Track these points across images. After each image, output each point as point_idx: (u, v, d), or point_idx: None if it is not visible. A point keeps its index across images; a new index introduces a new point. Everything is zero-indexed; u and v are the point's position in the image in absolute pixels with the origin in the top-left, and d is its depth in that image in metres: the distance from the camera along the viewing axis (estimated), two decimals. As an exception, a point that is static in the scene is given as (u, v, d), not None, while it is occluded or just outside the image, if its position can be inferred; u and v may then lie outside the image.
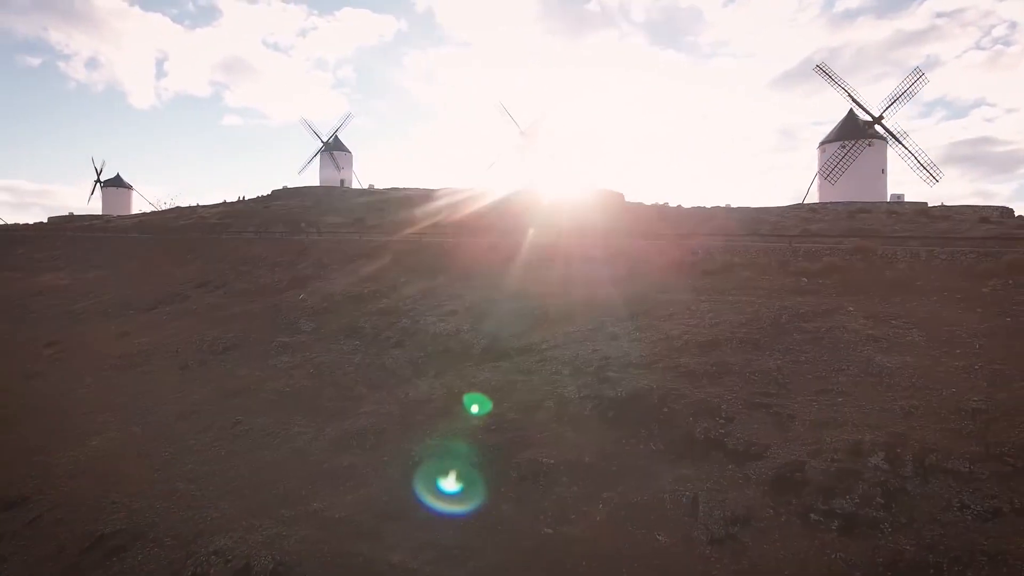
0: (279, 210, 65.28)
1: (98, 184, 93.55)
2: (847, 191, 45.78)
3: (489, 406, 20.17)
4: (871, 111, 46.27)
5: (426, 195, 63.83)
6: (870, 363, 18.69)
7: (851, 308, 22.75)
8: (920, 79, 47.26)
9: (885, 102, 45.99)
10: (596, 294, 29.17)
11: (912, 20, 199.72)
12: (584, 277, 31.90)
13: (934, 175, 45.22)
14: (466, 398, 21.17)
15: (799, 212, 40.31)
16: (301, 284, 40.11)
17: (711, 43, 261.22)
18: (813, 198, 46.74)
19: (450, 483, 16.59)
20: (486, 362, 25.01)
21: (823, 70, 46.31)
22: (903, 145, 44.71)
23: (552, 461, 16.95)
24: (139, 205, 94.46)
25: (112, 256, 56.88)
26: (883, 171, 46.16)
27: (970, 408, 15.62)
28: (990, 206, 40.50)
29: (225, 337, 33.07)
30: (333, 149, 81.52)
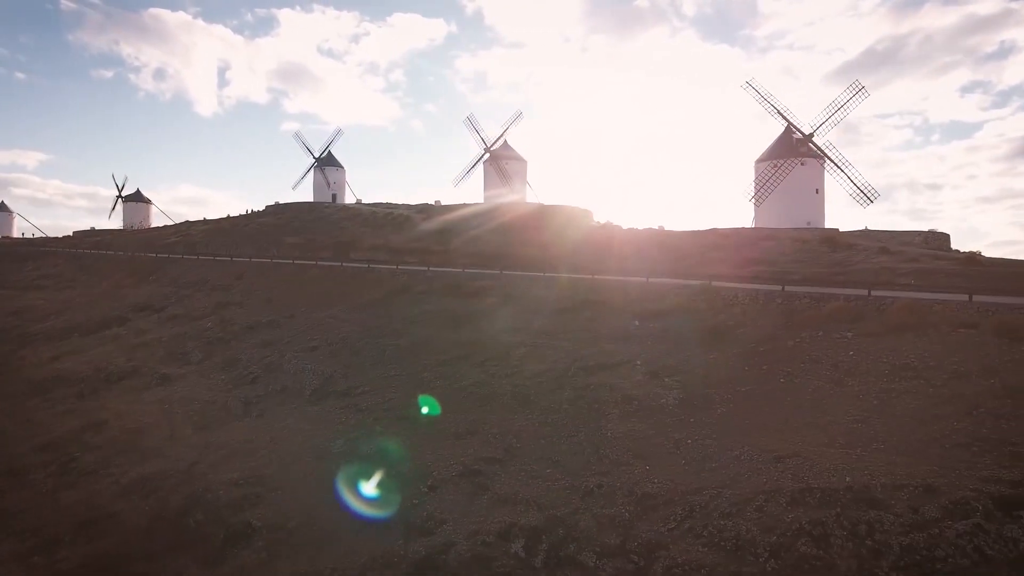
0: (255, 229, 67.79)
1: (119, 199, 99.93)
2: (781, 213, 43.76)
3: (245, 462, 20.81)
4: (801, 128, 43.98)
5: (399, 213, 64.79)
6: (599, 431, 18.28)
7: (639, 362, 22.15)
8: (858, 94, 44.48)
9: (819, 118, 43.77)
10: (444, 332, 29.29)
11: (984, 4, 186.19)
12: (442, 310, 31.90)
13: (868, 196, 42.61)
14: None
15: (705, 239, 38.92)
16: (222, 310, 41.72)
17: (767, 36, 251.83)
18: (762, 219, 44.75)
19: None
20: (309, 404, 25.70)
21: (751, 86, 44.53)
22: (835, 164, 42.21)
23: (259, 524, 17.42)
24: (158, 219, 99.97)
25: (91, 275, 60.46)
26: (817, 191, 43.80)
27: (640, 492, 15.16)
28: (921, 231, 37.92)
29: (125, 367, 34.83)
30: (325, 165, 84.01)
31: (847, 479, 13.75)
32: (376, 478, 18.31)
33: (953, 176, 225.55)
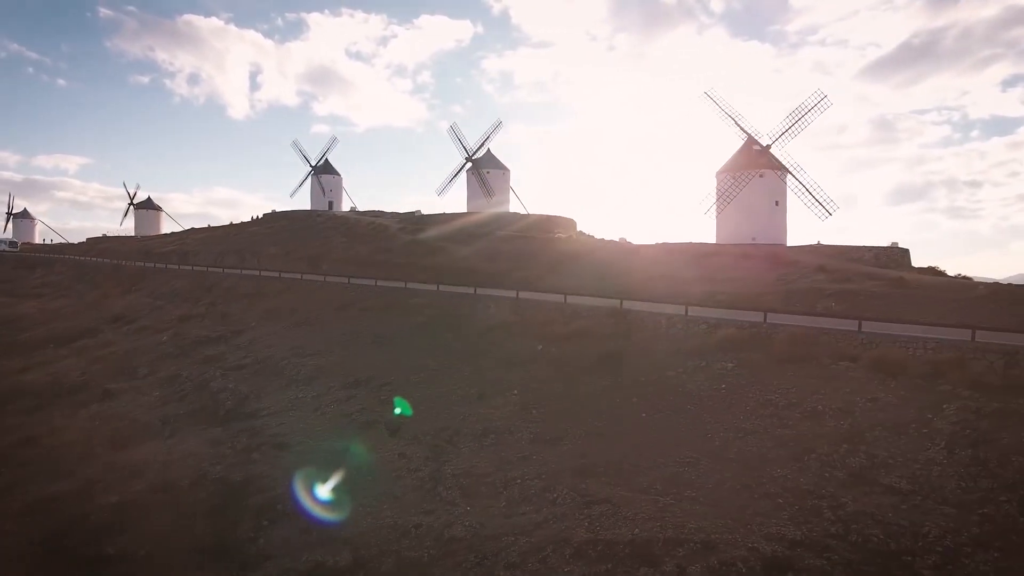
0: (246, 238, 69.22)
1: (131, 207, 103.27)
2: (741, 227, 42.58)
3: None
4: (761, 139, 42.69)
5: (380, 223, 65.41)
6: (445, 466, 18.32)
7: (516, 391, 22.07)
8: (820, 103, 43.20)
9: (779, 128, 42.63)
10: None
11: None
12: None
13: (827, 209, 41.30)
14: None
15: (649, 254, 38.26)
16: (182, 323, 42.82)
17: (798, 31, 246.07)
18: (724, 232, 43.51)
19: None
20: (216, 426, 26.21)
21: (709, 96, 43.35)
22: (793, 176, 40.82)
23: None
24: (168, 225, 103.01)
25: (85, 284, 62.55)
26: (777, 203, 42.51)
27: (447, 536, 15.16)
28: (874, 247, 36.44)
29: (77, 381, 36.01)
30: (321, 172, 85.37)
31: (635, 531, 13.55)
32: (230, 508, 18.64)
33: (994, 173, 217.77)
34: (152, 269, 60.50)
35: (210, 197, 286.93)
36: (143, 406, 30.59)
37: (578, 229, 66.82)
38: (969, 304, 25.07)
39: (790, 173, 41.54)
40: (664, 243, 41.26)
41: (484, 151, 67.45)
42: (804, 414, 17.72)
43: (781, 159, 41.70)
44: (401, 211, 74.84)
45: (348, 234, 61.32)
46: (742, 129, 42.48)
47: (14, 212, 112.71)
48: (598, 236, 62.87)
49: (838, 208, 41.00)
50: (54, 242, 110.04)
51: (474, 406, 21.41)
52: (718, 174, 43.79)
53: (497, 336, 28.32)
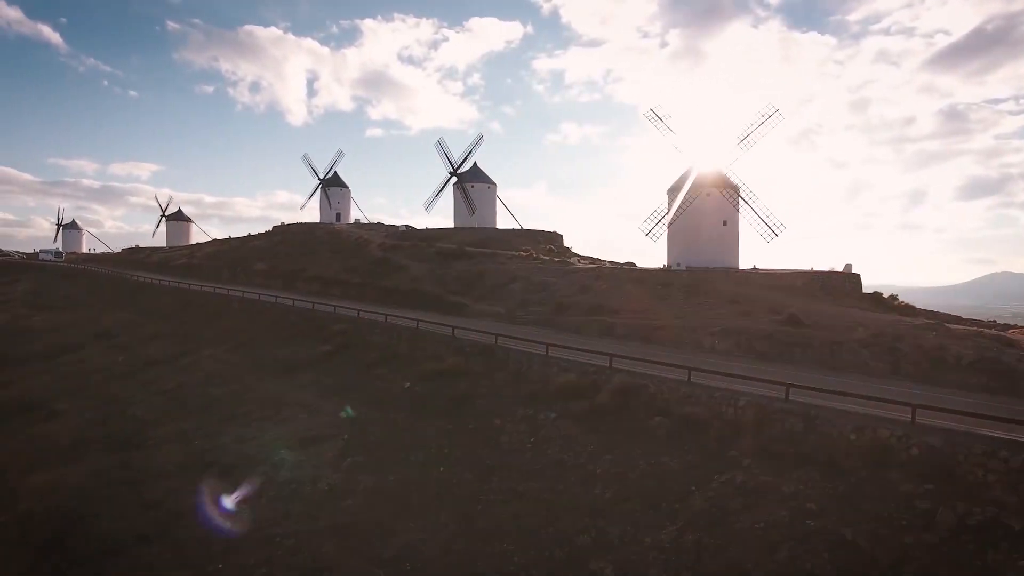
0: (247, 252, 72.04)
1: (163, 218, 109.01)
2: (690, 249, 40.72)
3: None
4: (707, 158, 40.94)
5: (366, 239, 66.74)
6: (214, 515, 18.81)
7: (347, 435, 22.33)
8: (771, 118, 40.98)
9: (728, 146, 40.37)
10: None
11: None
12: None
13: (773, 229, 39.09)
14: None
15: (576, 278, 37.43)
16: (144, 344, 45.05)
17: (860, 20, 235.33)
18: (675, 253, 41.94)
19: None
20: (111, 452, 27.59)
21: (654, 113, 41.56)
22: (740, 196, 38.74)
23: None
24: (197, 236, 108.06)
25: (93, 297, 66.45)
26: (726, 223, 40.51)
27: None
28: (820, 272, 34.23)
29: (38, 399, 38.36)
30: (329, 185, 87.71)
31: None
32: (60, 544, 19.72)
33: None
34: (147, 284, 63.68)
35: (271, 200, 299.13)
36: (72, 428, 32.44)
37: (565, 244, 66.40)
38: (845, 350, 23.68)
39: (737, 192, 39.99)
40: (625, 265, 40.48)
41: (470, 166, 67.79)
42: (581, 478, 17.33)
43: (732, 177, 40.26)
44: (403, 224, 76.20)
45: (334, 249, 62.85)
46: (686, 149, 41.17)
47: (63, 223, 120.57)
48: (584, 253, 62.33)
49: (785, 229, 39.19)
50: (96, 251, 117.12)
51: (302, 452, 21.82)
52: (668, 192, 42.61)
53: (381, 370, 28.71)
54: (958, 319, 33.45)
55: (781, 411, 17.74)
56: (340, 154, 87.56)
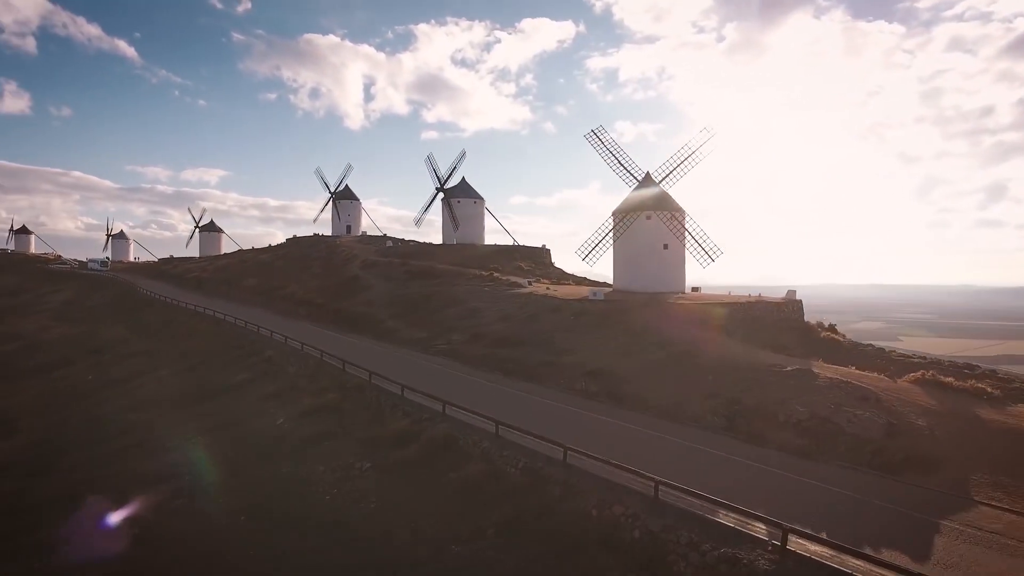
0: (250, 265, 75.00)
1: (196, 230, 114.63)
2: (632, 272, 39.48)
3: None
4: (645, 178, 39.22)
5: (352, 254, 68.25)
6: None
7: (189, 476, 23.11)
8: (708, 141, 39.21)
9: (666, 167, 38.87)
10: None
11: None
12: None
13: (710, 254, 37.20)
14: None
15: (525, 306, 36.95)
16: (117, 362, 47.68)
17: (931, 7, 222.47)
18: (620, 278, 40.79)
19: None
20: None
21: (595, 135, 40.28)
22: (675, 219, 36.99)
23: None
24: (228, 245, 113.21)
25: (105, 310, 70.63)
26: (666, 247, 38.84)
27: None
28: (760, 300, 32.36)
29: (7, 416, 41.36)
30: (340, 198, 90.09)
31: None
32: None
33: None
34: (150, 299, 67.15)
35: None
36: (14, 449, 34.74)
37: (552, 260, 65.91)
38: (692, 400, 22.67)
39: (672, 215, 38.73)
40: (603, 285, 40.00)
41: (458, 181, 68.20)
42: (349, 537, 17.40)
43: (674, 200, 39.13)
44: (395, 239, 77.39)
45: (323, 265, 64.66)
46: (625, 169, 40.12)
47: (112, 233, 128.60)
48: (569, 270, 61.75)
49: (721, 254, 37.71)
50: (140, 260, 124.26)
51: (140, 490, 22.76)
52: (613, 214, 41.67)
53: (272, 404, 29.55)
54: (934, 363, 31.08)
55: (547, 478, 17.25)
56: (349, 168, 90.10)
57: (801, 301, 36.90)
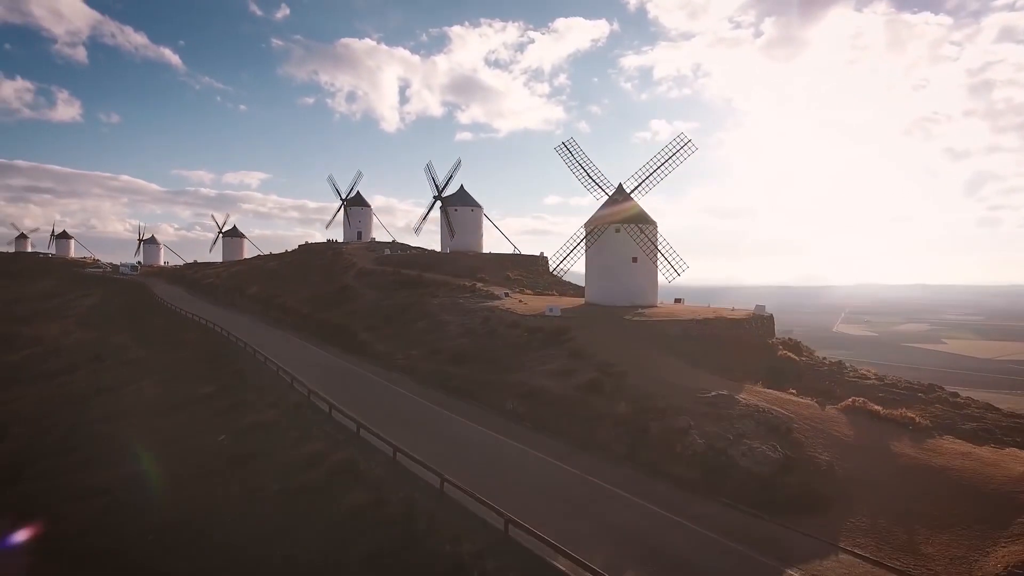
0: (257, 272, 76.86)
1: (220, 235, 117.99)
2: (603, 286, 39.07)
3: None
4: (611, 190, 38.47)
5: (351, 262, 69.25)
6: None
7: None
8: (684, 148, 38.44)
9: (636, 178, 38.23)
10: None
11: None
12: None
13: (676, 268, 36.37)
14: None
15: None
16: (113, 369, 49.48)
17: None
18: (591, 291, 40.37)
19: None
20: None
21: (565, 147, 39.80)
22: (644, 232, 36.08)
23: None
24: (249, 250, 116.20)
25: (119, 314, 73.30)
26: (635, 260, 38.08)
27: None
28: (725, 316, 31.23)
29: None
30: (351, 205, 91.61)
31: None
32: None
33: None
34: (158, 305, 69.48)
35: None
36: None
37: (548, 268, 65.64)
38: (603, 424, 22.37)
39: (639, 228, 38.19)
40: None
41: (456, 189, 68.60)
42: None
43: (644, 213, 38.70)
44: (393, 246, 78.40)
45: (323, 273, 65.82)
46: (594, 181, 39.70)
47: (144, 238, 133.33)
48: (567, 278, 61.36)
49: (687, 268, 37.00)
50: (169, 264, 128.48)
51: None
52: (585, 226, 41.34)
53: (221, 420, 30.24)
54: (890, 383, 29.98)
55: (420, 509, 17.34)
56: (359, 175, 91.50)
57: (771, 316, 35.97)
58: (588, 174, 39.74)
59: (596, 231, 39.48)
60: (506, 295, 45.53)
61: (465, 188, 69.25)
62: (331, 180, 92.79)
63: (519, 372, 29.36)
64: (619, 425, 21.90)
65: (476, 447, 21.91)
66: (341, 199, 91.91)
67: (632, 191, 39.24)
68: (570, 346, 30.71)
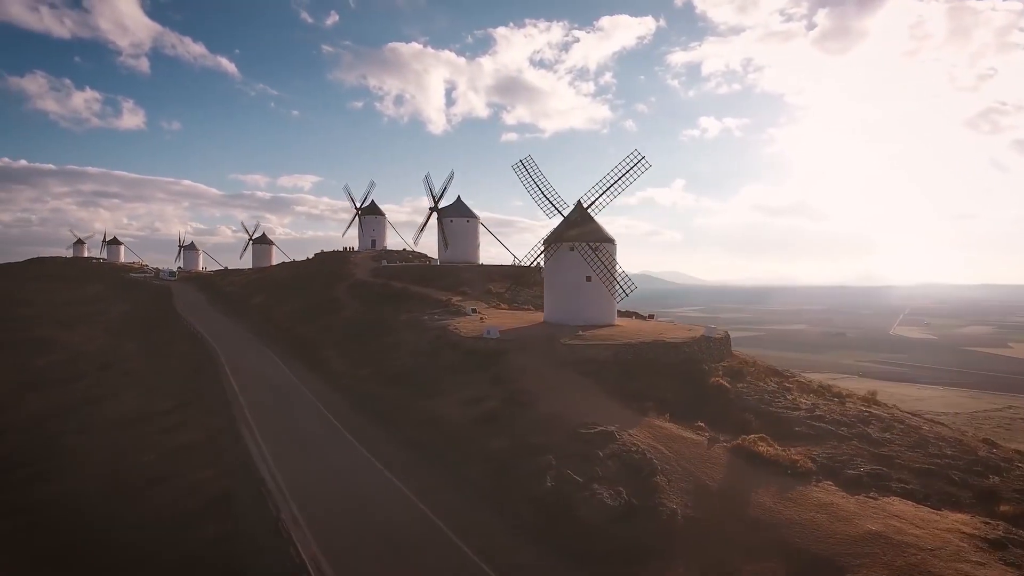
0: (266, 281, 79.46)
1: (250, 242, 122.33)
2: (560, 306, 38.37)
3: None
4: (563, 211, 37.91)
5: (347, 272, 70.70)
6: None
7: None
8: (637, 166, 37.46)
9: (591, 194, 37.49)
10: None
11: None
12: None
13: (624, 289, 35.21)
14: None
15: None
16: (118, 379, 52.11)
17: None
18: (549, 311, 39.95)
19: None
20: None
21: (523, 165, 39.51)
22: (595, 251, 35.13)
23: None
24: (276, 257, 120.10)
25: (137, 324, 76.95)
26: (589, 279, 37.24)
27: None
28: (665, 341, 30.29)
29: None
30: (366, 214, 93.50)
31: None
32: None
33: None
34: (169, 314, 72.59)
35: (417, 206, 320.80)
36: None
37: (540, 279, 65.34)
38: (473, 459, 22.20)
39: (589, 246, 37.61)
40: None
41: (453, 200, 69.13)
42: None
43: (598, 231, 38.33)
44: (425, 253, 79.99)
45: (324, 283, 67.56)
46: (547, 199, 39.34)
47: (184, 244, 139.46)
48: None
49: (635, 288, 36.19)
50: (207, 270, 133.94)
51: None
52: (543, 243, 41.05)
53: (156, 440, 31.53)
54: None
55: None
56: (372, 185, 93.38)
57: (725, 338, 34.93)
58: (543, 192, 39.48)
59: (550, 249, 39.21)
60: (472, 311, 45.64)
61: (462, 199, 69.81)
62: (346, 189, 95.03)
63: (438, 397, 29.50)
64: (489, 461, 21.77)
65: (345, 476, 22.21)
66: (355, 208, 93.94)
67: (588, 206, 38.82)
68: (495, 371, 30.63)
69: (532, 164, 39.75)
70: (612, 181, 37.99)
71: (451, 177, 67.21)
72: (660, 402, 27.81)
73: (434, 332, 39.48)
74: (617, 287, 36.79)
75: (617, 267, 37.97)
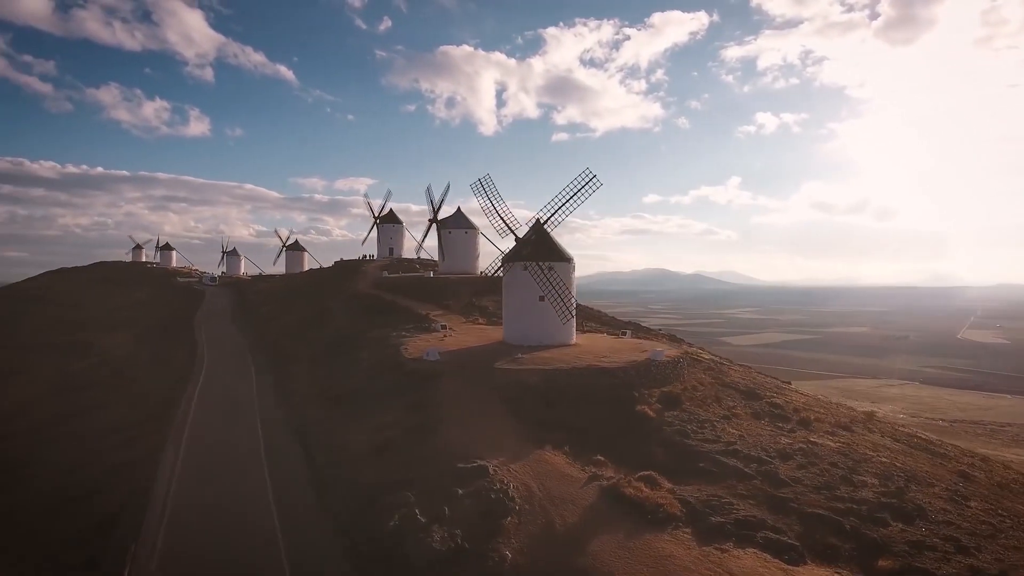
0: (276, 292, 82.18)
1: (283, 249, 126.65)
2: (519, 325, 37.99)
3: None
4: (518, 230, 37.52)
5: (347, 283, 72.22)
6: None
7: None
8: (590, 183, 36.64)
9: (547, 210, 36.90)
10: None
11: None
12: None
13: (569, 310, 34.46)
14: None
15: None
16: (119, 389, 55.15)
17: None
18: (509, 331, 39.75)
19: None
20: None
21: (481, 184, 39.34)
22: (543, 272, 34.53)
23: None
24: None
25: (158, 332, 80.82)
26: (542, 299, 36.64)
27: None
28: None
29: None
30: (384, 222, 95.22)
31: None
32: None
33: None
34: (187, 322, 76.02)
35: (467, 208, 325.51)
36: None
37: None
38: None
39: (539, 266, 37.34)
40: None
41: (453, 211, 69.74)
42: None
43: (551, 251, 38.20)
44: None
45: (329, 293, 69.36)
46: (504, 222, 39.28)
47: (227, 250, 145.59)
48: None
49: (573, 311, 35.81)
50: (247, 275, 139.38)
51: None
52: (503, 261, 41.05)
53: (119, 456, 33.31)
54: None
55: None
56: (389, 194, 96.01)
57: (678, 360, 34.13)
58: (497, 212, 39.46)
59: (506, 268, 39.21)
60: (442, 327, 45.99)
61: (462, 210, 70.36)
62: (365, 198, 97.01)
63: (362, 421, 29.98)
64: (357, 496, 22.06)
65: (233, 508, 22.95)
66: (374, 217, 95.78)
67: (545, 222, 38.68)
68: (419, 396, 30.86)
69: (490, 183, 39.82)
70: (566, 199, 37.70)
71: (447, 189, 68.07)
72: (575, 431, 27.46)
73: (390, 351, 40.03)
74: (566, 308, 36.40)
75: (573, 287, 37.56)
